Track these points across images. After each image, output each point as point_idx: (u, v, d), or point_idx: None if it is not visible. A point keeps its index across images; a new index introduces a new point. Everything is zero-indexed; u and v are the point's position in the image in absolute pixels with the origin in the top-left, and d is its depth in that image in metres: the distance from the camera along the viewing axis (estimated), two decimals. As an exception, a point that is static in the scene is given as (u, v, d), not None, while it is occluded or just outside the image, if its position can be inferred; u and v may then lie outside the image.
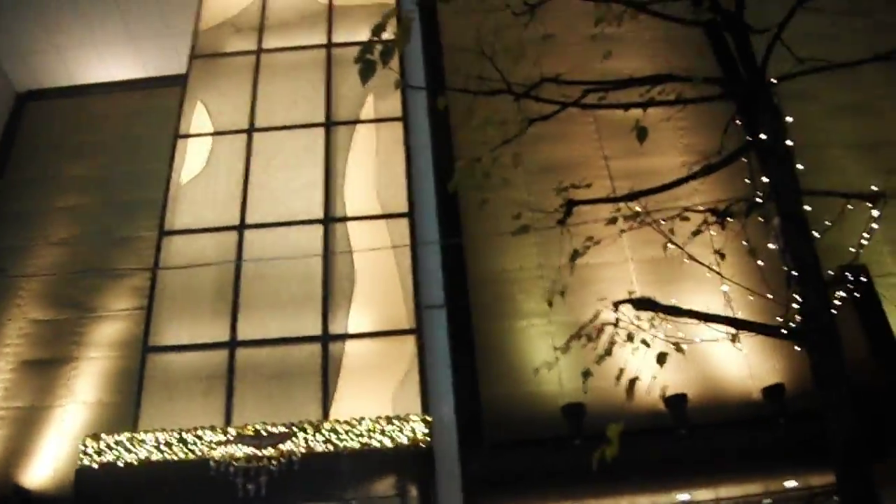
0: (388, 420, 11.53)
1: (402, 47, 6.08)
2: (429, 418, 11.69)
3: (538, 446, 11.92)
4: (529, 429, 12.26)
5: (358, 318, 12.95)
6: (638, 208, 8.92)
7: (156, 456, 11.64)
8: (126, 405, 13.25)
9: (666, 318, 8.29)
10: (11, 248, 16.98)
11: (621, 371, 7.19)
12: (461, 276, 13.41)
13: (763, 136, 7.95)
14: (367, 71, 5.79)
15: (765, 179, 8.34)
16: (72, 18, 19.34)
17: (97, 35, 19.64)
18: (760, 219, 9.50)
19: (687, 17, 8.71)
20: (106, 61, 20.12)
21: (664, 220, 8.90)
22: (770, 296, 9.58)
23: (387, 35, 6.03)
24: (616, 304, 8.25)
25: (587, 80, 8.63)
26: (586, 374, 7.60)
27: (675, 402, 11.80)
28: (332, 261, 13.36)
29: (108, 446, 11.83)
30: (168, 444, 11.65)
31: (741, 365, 12.70)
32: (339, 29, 16.04)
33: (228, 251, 13.61)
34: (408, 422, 11.52)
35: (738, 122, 9.10)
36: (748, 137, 8.58)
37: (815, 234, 8.44)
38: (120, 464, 11.67)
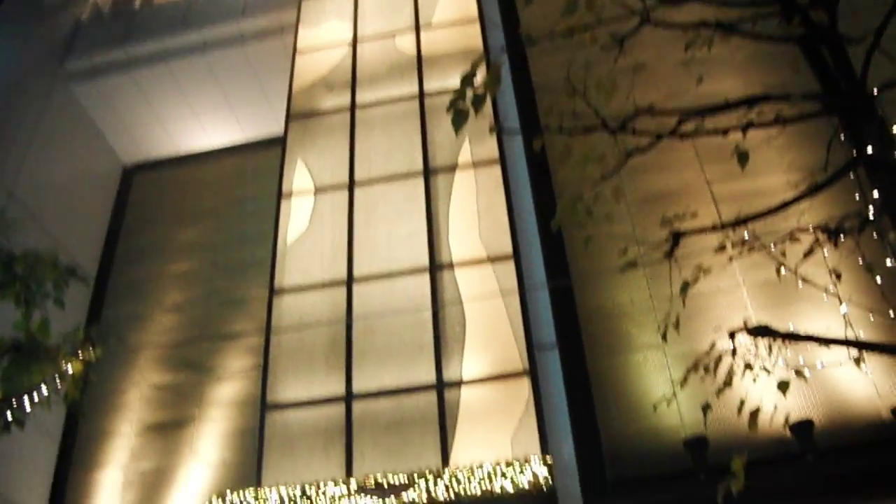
0: (508, 464, 11.46)
1: (493, 93, 6.13)
2: (549, 459, 11.55)
3: (662, 482, 11.61)
4: (652, 464, 12.00)
5: (471, 363, 12.93)
6: (746, 234, 8.73)
7: (278, 512, 11.82)
8: (249, 463, 13.47)
9: (785, 344, 8.08)
10: (128, 315, 17.55)
11: (742, 402, 6.99)
12: (571, 314, 13.30)
13: (870, 149, 7.74)
14: (459, 119, 5.85)
15: (875, 193, 8.10)
16: (171, 91, 20.07)
17: (196, 104, 20.34)
18: (875, 234, 9.20)
19: (778, 34, 8.57)
20: (206, 129, 20.79)
21: (774, 244, 8.70)
22: (892, 313, 9.29)
23: (477, 80, 6.09)
24: (732, 334, 8.08)
25: (682, 107, 8.53)
26: (706, 408, 7.42)
27: (801, 428, 11.39)
28: (441, 308, 13.42)
29: (234, 504, 12.05)
30: (291, 499, 11.78)
31: (867, 386, 12.25)
32: (430, 78, 16.22)
33: (338, 306, 13.77)
34: (528, 464, 11.40)
35: (842, 136, 8.87)
36: (854, 151, 8.36)
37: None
38: (246, 523, 11.88)
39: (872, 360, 12.04)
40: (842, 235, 8.62)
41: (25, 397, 9.85)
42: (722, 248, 8.71)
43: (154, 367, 16.56)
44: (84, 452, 15.59)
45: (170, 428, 15.40)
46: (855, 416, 12.15)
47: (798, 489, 11.07)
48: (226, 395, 15.46)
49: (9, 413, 9.81)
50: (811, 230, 8.74)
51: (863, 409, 12.20)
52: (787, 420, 7.84)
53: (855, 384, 12.23)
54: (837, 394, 12.28)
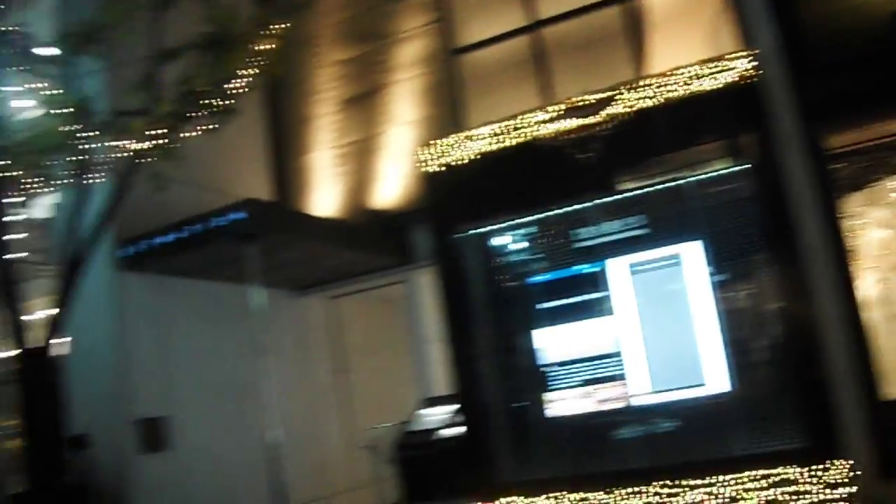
0: (709, 62, 11.13)
1: None
2: (751, 51, 11.18)
3: (872, 61, 11.00)
4: (859, 45, 11.37)
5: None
6: None
7: (489, 147, 12.08)
8: (450, 113, 13.72)
9: None
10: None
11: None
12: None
13: None
14: None
15: None
16: None
17: None
18: None
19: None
20: None
21: None
22: None
23: None
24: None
25: None
26: None
27: None
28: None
29: (443, 150, 12.39)
30: (498, 134, 12.02)
31: None
32: None
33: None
34: (729, 60, 11.07)
35: None
36: None
37: None
38: (458, 163, 12.24)
39: None
40: None
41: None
42: None
43: (332, 45, 16.48)
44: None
45: (365, 98, 15.60)
46: None
47: None
48: (411, 54, 15.29)
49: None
50: None
51: None
52: None
53: None
54: None
